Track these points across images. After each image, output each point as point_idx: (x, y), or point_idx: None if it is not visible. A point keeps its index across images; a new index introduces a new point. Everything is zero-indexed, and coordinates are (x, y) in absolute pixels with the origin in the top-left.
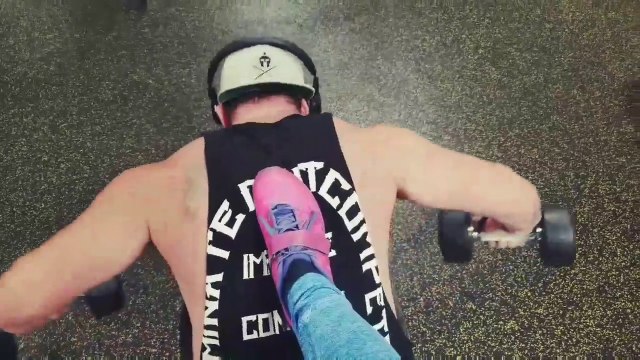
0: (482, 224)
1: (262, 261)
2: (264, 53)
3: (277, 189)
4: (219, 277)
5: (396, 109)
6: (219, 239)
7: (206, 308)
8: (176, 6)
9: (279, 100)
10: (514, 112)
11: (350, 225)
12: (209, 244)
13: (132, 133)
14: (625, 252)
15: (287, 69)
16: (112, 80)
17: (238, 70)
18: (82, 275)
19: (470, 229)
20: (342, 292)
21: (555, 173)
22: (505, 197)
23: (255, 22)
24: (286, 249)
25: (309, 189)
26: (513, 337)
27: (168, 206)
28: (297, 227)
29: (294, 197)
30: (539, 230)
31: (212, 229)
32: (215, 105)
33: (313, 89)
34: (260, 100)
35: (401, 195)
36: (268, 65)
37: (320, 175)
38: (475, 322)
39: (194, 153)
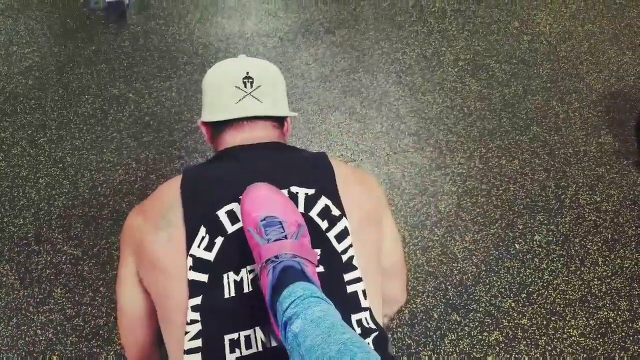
0: None
1: (242, 278)
2: (247, 73)
3: (264, 202)
4: (198, 300)
5: (378, 121)
6: (198, 264)
7: (187, 332)
8: (156, 20)
9: (264, 124)
10: (495, 124)
11: (339, 247)
12: (190, 270)
13: (113, 147)
14: (607, 262)
15: (270, 90)
16: (91, 94)
17: (221, 92)
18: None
19: None
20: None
21: (537, 184)
22: (401, 293)
23: (236, 36)
24: (276, 257)
25: (297, 209)
26: (497, 348)
27: (146, 240)
28: (285, 237)
29: (282, 210)
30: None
31: (191, 255)
32: (198, 120)
33: (295, 114)
34: (245, 124)
35: None
36: (252, 86)
37: (311, 200)
38: (460, 334)
39: (170, 189)
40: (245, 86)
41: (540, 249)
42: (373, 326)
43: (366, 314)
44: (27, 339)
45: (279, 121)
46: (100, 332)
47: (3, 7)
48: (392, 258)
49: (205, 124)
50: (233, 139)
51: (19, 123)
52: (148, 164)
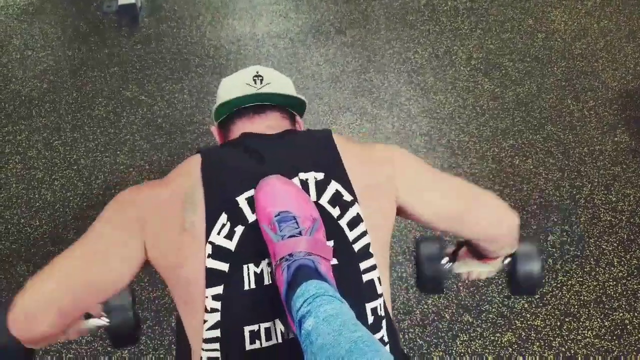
0: (455, 255)
1: (262, 270)
2: (257, 72)
3: (278, 196)
4: (219, 290)
5: (389, 121)
6: (218, 252)
7: (205, 321)
8: (168, 22)
9: (273, 115)
10: (508, 123)
11: (351, 235)
12: (208, 257)
13: (126, 149)
14: (623, 262)
15: (280, 86)
16: (105, 97)
17: (232, 88)
18: (85, 295)
19: (445, 260)
20: (345, 300)
21: (551, 183)
22: (493, 222)
23: (247, 37)
24: (290, 255)
25: (310, 199)
26: (510, 349)
27: (164, 224)
28: (300, 233)
29: (296, 204)
30: (507, 261)
31: (210, 242)
32: (211, 126)
33: (306, 101)
34: (254, 116)
35: (399, 212)
36: (261, 83)
37: (321, 186)
38: (472, 335)
39: (190, 169)
40: (255, 82)
41: (554, 250)
42: (384, 314)
43: (381, 300)
44: None
45: (288, 115)
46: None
47: (18, 12)
48: (450, 199)
49: (217, 127)
50: (242, 129)
51: (34, 126)
52: (161, 165)
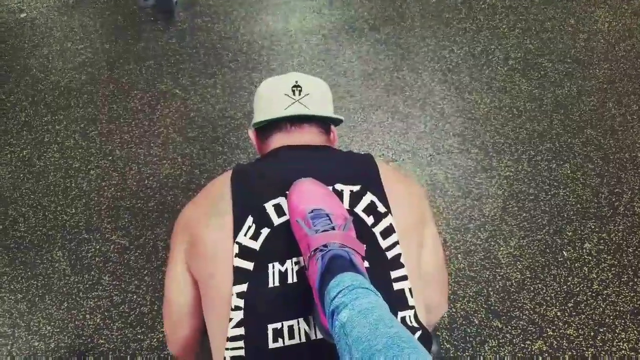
0: None
1: (286, 269)
2: (296, 82)
3: (312, 196)
4: (243, 287)
5: (422, 120)
6: (244, 252)
7: (231, 319)
8: (202, 17)
9: (310, 129)
10: (545, 125)
11: (384, 243)
12: (235, 257)
13: (159, 142)
14: None
15: (318, 98)
16: (140, 89)
17: (271, 99)
18: (193, 325)
19: None
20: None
21: (589, 189)
22: (443, 300)
23: (280, 33)
24: (325, 246)
25: (341, 202)
26: (541, 358)
27: (198, 229)
28: (333, 228)
29: (328, 204)
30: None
31: (237, 243)
32: (249, 130)
33: (342, 118)
34: (292, 128)
35: None
36: (300, 94)
37: (356, 197)
38: (501, 341)
39: (221, 181)
40: (294, 94)
41: (590, 258)
42: (416, 325)
43: (411, 312)
44: (76, 322)
45: (325, 128)
46: (145, 319)
47: (59, 4)
48: (433, 264)
49: (255, 132)
50: (280, 142)
51: (72, 116)
52: (193, 158)
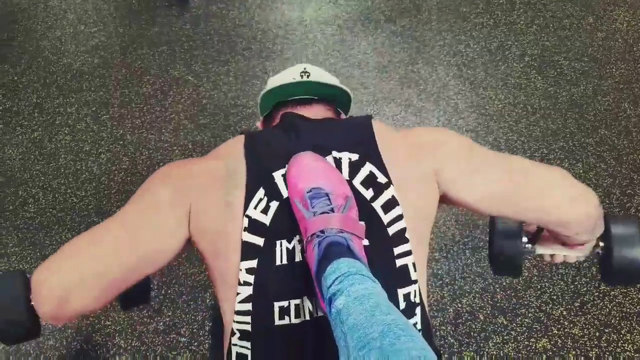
0: (537, 235)
1: (294, 247)
2: (305, 68)
3: (311, 173)
4: (253, 264)
5: (435, 114)
6: (254, 226)
7: (238, 294)
8: (217, 3)
9: (318, 107)
10: (559, 124)
11: (385, 218)
12: (244, 231)
13: (171, 128)
14: None
15: (325, 80)
16: (152, 75)
17: (280, 82)
18: (129, 269)
19: (524, 240)
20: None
21: (600, 190)
22: (559, 203)
23: (295, 22)
24: (322, 232)
25: (343, 177)
26: (544, 356)
27: (208, 195)
28: (332, 210)
29: (328, 181)
30: (601, 244)
31: (247, 216)
32: (257, 122)
33: (351, 94)
34: (298, 107)
35: (445, 199)
36: (308, 77)
37: (355, 167)
38: (505, 338)
39: (234, 146)
40: (302, 77)
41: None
42: (418, 301)
43: (415, 287)
44: None
45: (332, 107)
46: (152, 302)
47: None
48: (506, 178)
49: (262, 121)
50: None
51: (84, 100)
52: (203, 145)
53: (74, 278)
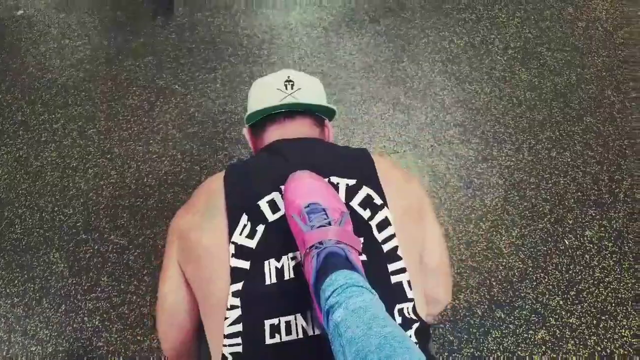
0: None
1: (283, 265)
2: (288, 77)
3: (308, 189)
4: (239, 286)
5: (423, 111)
6: (241, 251)
7: (226, 318)
8: (202, 11)
9: (304, 122)
10: (545, 114)
11: (380, 236)
12: (232, 257)
13: (159, 138)
14: None
15: (310, 92)
16: (139, 86)
17: (264, 93)
18: (190, 322)
19: None
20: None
21: (589, 177)
22: (445, 294)
23: (280, 27)
24: (320, 243)
25: (338, 194)
26: (544, 347)
27: (191, 237)
28: (329, 224)
29: (325, 197)
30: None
31: (233, 242)
32: (244, 128)
33: (335, 109)
34: (285, 121)
35: None
36: (292, 88)
37: (352, 190)
38: (504, 331)
39: (214, 182)
40: (286, 88)
41: (591, 245)
42: (414, 317)
43: (410, 304)
44: (75, 325)
45: (318, 120)
46: (145, 320)
47: (57, 1)
48: (436, 257)
49: (249, 130)
50: (273, 134)
51: (70, 115)
52: (193, 155)
53: (165, 345)
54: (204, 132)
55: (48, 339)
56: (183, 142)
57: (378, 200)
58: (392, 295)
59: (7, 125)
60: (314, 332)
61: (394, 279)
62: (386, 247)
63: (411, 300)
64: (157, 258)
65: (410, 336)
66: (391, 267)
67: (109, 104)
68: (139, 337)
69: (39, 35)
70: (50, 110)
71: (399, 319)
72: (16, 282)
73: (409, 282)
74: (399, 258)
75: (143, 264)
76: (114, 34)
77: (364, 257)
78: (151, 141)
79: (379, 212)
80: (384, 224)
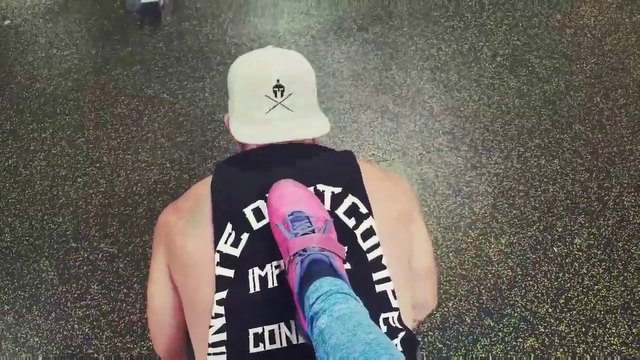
0: None
1: (267, 274)
2: (278, 81)
3: (292, 198)
4: (223, 295)
5: (411, 119)
6: (225, 260)
7: (211, 326)
8: (190, 20)
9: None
10: (534, 122)
11: (364, 245)
12: (217, 265)
13: (147, 147)
14: None
15: (302, 97)
16: (127, 95)
17: (250, 100)
18: (177, 322)
19: None
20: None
21: (578, 184)
22: (431, 298)
23: (268, 35)
24: (304, 250)
25: (321, 203)
26: (533, 355)
27: (176, 242)
28: (313, 231)
29: (309, 206)
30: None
31: (218, 251)
32: (224, 115)
33: (328, 127)
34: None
35: None
36: (282, 95)
37: (338, 199)
38: (493, 339)
39: (201, 187)
40: (275, 95)
41: (580, 253)
42: (400, 326)
43: (395, 314)
44: (65, 333)
45: None
46: (134, 327)
47: (44, 11)
48: (422, 262)
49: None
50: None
51: (59, 124)
52: (182, 163)
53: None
54: (193, 140)
55: (38, 346)
56: (172, 151)
57: (363, 209)
58: (376, 304)
59: None
60: (297, 341)
61: (379, 288)
62: (371, 256)
63: (396, 309)
64: (146, 266)
65: (396, 345)
66: (375, 276)
67: (97, 113)
68: (128, 345)
69: (27, 45)
70: (38, 120)
71: (384, 328)
72: (6, 289)
73: (393, 291)
74: (383, 267)
75: (132, 272)
76: (101, 43)
77: (348, 266)
78: (140, 150)
79: (364, 221)
80: (368, 233)
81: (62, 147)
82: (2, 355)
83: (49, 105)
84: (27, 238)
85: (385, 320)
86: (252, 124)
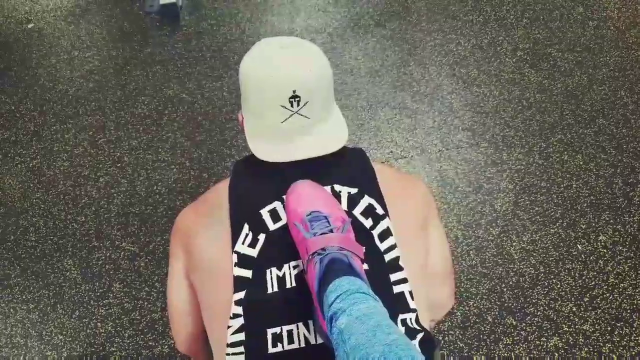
0: None
1: (284, 274)
2: (294, 92)
3: (309, 198)
4: (241, 295)
5: (430, 115)
6: (243, 260)
7: (230, 327)
8: (208, 20)
9: None
10: (556, 117)
11: (382, 246)
12: (235, 266)
13: (167, 146)
14: None
15: (318, 105)
16: (147, 95)
17: (265, 109)
18: (198, 321)
19: None
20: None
21: (602, 180)
22: (448, 299)
23: (285, 33)
24: (323, 249)
25: (339, 204)
26: (556, 355)
27: (194, 242)
28: (331, 231)
29: (326, 206)
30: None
31: (236, 252)
32: (238, 114)
33: (346, 133)
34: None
35: None
36: (298, 105)
37: (354, 199)
38: (515, 339)
39: (220, 188)
40: (292, 105)
41: (605, 250)
42: (418, 327)
43: (412, 315)
44: (88, 331)
45: None
46: (156, 325)
47: (66, 14)
48: (439, 262)
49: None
50: None
51: (81, 125)
52: (201, 162)
53: (180, 346)
54: (212, 140)
55: (62, 344)
56: (191, 150)
57: (380, 210)
58: (394, 305)
59: (20, 136)
60: (316, 341)
61: (396, 289)
62: (388, 257)
63: (414, 310)
64: (167, 264)
65: (415, 346)
66: (393, 277)
67: (118, 113)
68: (150, 342)
69: (50, 48)
70: (61, 121)
71: (402, 329)
72: (31, 288)
73: (410, 292)
74: (401, 268)
75: (154, 270)
76: (121, 44)
77: (366, 266)
78: (160, 149)
79: (381, 222)
80: (385, 234)
81: (85, 147)
82: (29, 352)
83: (71, 106)
84: (51, 237)
85: (403, 321)
86: (269, 137)
